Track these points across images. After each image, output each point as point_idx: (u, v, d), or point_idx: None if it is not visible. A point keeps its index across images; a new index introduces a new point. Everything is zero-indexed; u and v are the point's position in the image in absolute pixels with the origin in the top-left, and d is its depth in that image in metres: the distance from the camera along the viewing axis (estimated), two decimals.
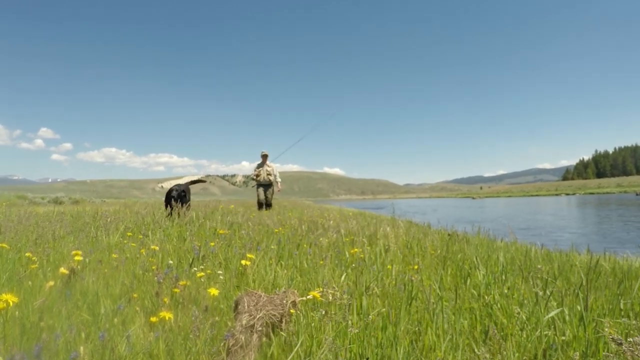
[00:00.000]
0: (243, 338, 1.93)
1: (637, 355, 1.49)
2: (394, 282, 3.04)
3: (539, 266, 3.47)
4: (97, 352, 1.74)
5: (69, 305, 2.26)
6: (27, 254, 3.29)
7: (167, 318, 2.01)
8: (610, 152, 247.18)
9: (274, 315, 2.13)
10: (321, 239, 5.04)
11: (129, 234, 5.24)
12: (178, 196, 7.93)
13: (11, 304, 1.75)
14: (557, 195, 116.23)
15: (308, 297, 2.38)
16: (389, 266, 3.66)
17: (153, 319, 2.04)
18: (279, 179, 12.76)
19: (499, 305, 2.55)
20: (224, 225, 6.13)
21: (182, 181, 9.51)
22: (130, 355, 1.78)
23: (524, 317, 2.32)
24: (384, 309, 2.33)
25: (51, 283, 2.51)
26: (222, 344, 1.91)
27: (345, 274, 3.30)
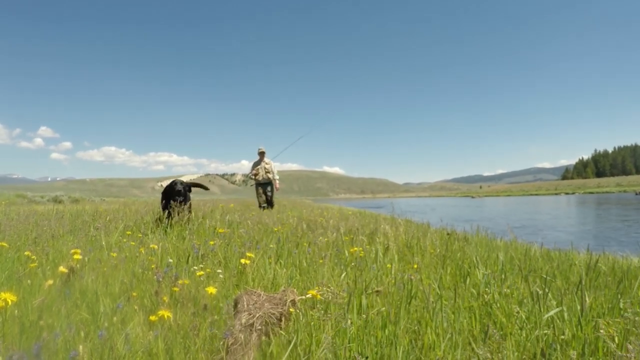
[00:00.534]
0: (242, 337, 1.93)
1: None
2: (393, 281, 3.04)
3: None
4: (97, 350, 1.74)
5: (68, 304, 2.26)
6: (26, 253, 3.29)
7: (166, 317, 2.01)
8: (610, 151, 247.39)
9: (274, 314, 2.13)
10: (321, 237, 5.04)
11: (128, 232, 5.24)
12: (184, 191, 6.33)
13: (10, 302, 1.75)
14: (556, 194, 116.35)
15: (307, 295, 2.38)
16: (388, 265, 3.66)
17: (152, 318, 2.04)
18: (277, 177, 12.20)
19: (498, 305, 2.55)
20: (223, 224, 6.13)
21: (183, 179, 7.59)
22: (129, 353, 1.78)
23: (523, 316, 2.33)
24: (383, 308, 2.33)
25: (50, 282, 2.51)
26: (221, 343, 1.91)
27: (344, 273, 3.30)
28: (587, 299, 2.31)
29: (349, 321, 2.10)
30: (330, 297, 2.41)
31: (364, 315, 2.25)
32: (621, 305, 2.50)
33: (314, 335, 2.02)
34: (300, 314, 2.24)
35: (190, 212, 6.31)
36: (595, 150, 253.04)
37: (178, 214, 5.91)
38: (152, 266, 3.24)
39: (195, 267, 3.19)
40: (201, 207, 9.60)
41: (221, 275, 3.04)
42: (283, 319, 2.16)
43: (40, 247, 3.97)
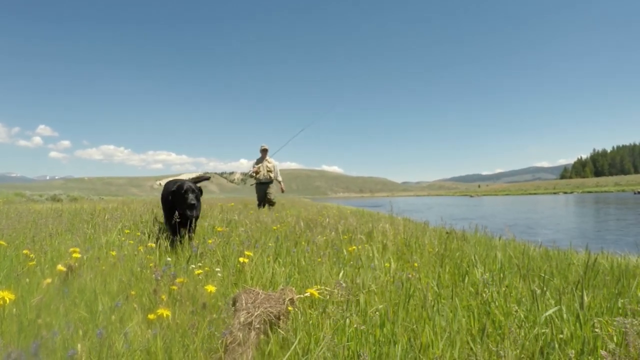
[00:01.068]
0: (241, 335, 1.93)
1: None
2: (392, 280, 3.04)
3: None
4: (95, 349, 1.74)
5: (66, 302, 2.26)
6: (24, 251, 3.28)
7: (164, 315, 2.00)
8: (609, 151, 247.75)
9: (272, 312, 2.13)
10: (319, 236, 5.04)
11: (126, 231, 5.23)
12: (198, 199, 4.72)
13: (8, 301, 1.75)
14: (555, 193, 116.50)
15: (306, 294, 2.38)
16: (386, 264, 3.66)
17: (151, 316, 2.04)
18: (280, 178, 11.59)
19: (496, 304, 2.55)
20: (222, 223, 6.13)
21: (182, 177, 5.94)
22: (128, 352, 1.77)
23: (522, 315, 2.33)
24: (381, 307, 2.33)
25: (49, 280, 2.50)
26: (219, 341, 1.91)
27: (343, 272, 3.30)
28: (585, 298, 2.32)
29: (348, 320, 2.11)
30: (328, 296, 2.42)
31: (362, 314, 2.25)
32: (619, 304, 2.51)
33: (312, 334, 2.02)
34: (299, 312, 2.24)
35: (197, 220, 4.94)
36: (594, 150, 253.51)
37: (191, 232, 4.65)
38: (151, 265, 3.24)
39: (194, 266, 3.19)
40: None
41: (220, 274, 3.04)
42: (282, 317, 2.16)
43: (38, 245, 3.97)
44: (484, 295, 2.70)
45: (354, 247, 4.17)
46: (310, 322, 2.13)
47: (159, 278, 2.65)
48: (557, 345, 1.99)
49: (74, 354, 1.54)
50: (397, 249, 4.59)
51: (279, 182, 11.56)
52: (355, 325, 2.07)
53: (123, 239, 4.63)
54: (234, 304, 2.20)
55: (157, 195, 6.73)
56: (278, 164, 11.62)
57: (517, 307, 2.42)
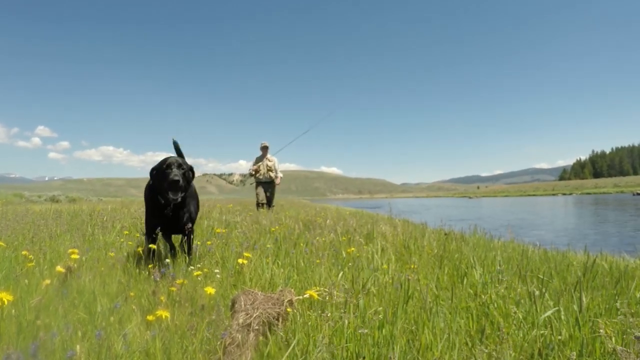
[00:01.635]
0: (240, 337, 1.93)
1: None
2: (390, 281, 3.05)
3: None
4: (94, 350, 1.74)
5: (65, 303, 2.25)
6: (23, 252, 3.28)
7: (163, 317, 2.00)
8: (607, 152, 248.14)
9: (271, 314, 2.13)
10: (318, 238, 5.04)
11: (125, 232, 5.23)
12: (185, 180, 3.49)
13: (7, 302, 1.75)
14: (553, 195, 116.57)
15: (305, 296, 2.38)
16: (385, 265, 3.67)
17: (150, 318, 2.03)
18: (280, 175, 11.00)
19: (495, 305, 2.56)
20: (221, 224, 6.13)
21: None
22: (127, 353, 1.77)
23: (521, 317, 2.33)
24: (380, 308, 2.33)
25: (47, 281, 2.50)
26: (218, 343, 1.91)
27: (342, 273, 3.31)
28: (584, 299, 2.32)
29: (346, 321, 2.11)
30: (327, 298, 2.42)
31: (361, 316, 2.25)
32: (618, 305, 2.51)
33: (311, 335, 2.02)
34: (298, 314, 2.24)
35: (191, 223, 3.76)
36: (593, 151, 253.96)
37: (185, 245, 3.64)
38: (150, 266, 3.24)
39: (193, 267, 3.19)
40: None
41: (218, 275, 3.04)
42: (280, 319, 2.16)
43: (37, 246, 3.96)
44: (483, 296, 2.70)
45: (353, 249, 4.18)
46: (309, 323, 2.13)
47: (158, 279, 2.65)
48: (555, 347, 1.99)
49: (73, 355, 1.54)
50: (396, 251, 4.60)
51: (277, 177, 10.94)
52: (354, 327, 2.08)
53: (122, 240, 4.63)
54: (233, 306, 2.20)
55: None
56: (278, 161, 11.07)
57: (515, 309, 2.42)
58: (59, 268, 2.67)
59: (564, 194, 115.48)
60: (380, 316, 2.23)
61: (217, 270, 3.12)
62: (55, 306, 2.18)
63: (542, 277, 3.24)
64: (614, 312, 2.44)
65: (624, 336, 2.01)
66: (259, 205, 10.63)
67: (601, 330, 2.00)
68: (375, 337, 2.04)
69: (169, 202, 3.41)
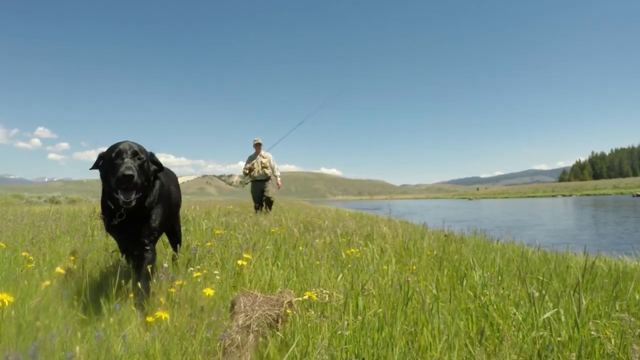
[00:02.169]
0: (239, 338, 1.93)
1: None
2: (390, 283, 3.05)
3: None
4: (93, 351, 1.74)
5: (65, 304, 2.26)
6: (23, 254, 3.28)
7: (163, 318, 2.01)
8: (607, 153, 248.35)
9: (270, 315, 2.13)
10: (317, 239, 5.04)
11: None
12: (139, 170, 2.48)
13: (7, 303, 1.75)
14: (553, 196, 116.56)
15: (304, 297, 2.38)
16: (384, 267, 3.67)
17: (149, 319, 2.04)
18: (277, 173, 10.26)
19: (495, 306, 2.56)
20: (220, 226, 6.13)
21: (180, 180, 5.00)
22: (126, 355, 1.78)
23: (520, 318, 2.33)
24: (380, 310, 2.33)
25: (47, 283, 2.50)
26: (218, 344, 1.91)
27: (341, 275, 3.31)
28: (583, 300, 2.32)
29: (346, 323, 2.11)
30: (327, 299, 2.42)
31: (361, 317, 2.25)
32: (617, 307, 2.51)
33: (310, 336, 2.02)
34: (297, 315, 2.25)
35: (177, 235, 3.50)
36: (593, 152, 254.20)
37: (143, 262, 2.69)
38: (149, 266, 3.24)
39: (192, 268, 3.19)
40: (198, 208, 9.47)
41: (218, 277, 3.04)
42: (280, 320, 2.17)
43: (37, 247, 3.97)
44: (482, 298, 2.70)
45: (353, 250, 4.18)
46: (309, 324, 2.13)
47: (157, 280, 2.65)
48: (555, 348, 1.99)
49: (73, 356, 1.54)
50: (395, 252, 4.60)
51: (276, 176, 10.33)
52: (353, 328, 2.08)
53: None
54: (232, 307, 2.20)
55: None
56: (274, 158, 10.37)
57: (515, 310, 2.42)
58: (59, 269, 2.67)
59: (564, 196, 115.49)
60: (379, 317, 2.23)
61: (216, 272, 3.12)
62: (54, 307, 2.18)
63: (541, 278, 3.24)
64: (613, 313, 2.45)
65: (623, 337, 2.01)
66: (257, 206, 10.08)
67: (596, 332, 2.01)
68: (375, 339, 2.04)
69: (120, 206, 2.47)
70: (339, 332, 2.03)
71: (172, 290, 2.57)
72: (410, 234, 6.07)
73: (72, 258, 2.96)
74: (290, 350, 1.87)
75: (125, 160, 2.42)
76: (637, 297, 2.84)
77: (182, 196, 3.92)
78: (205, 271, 3.11)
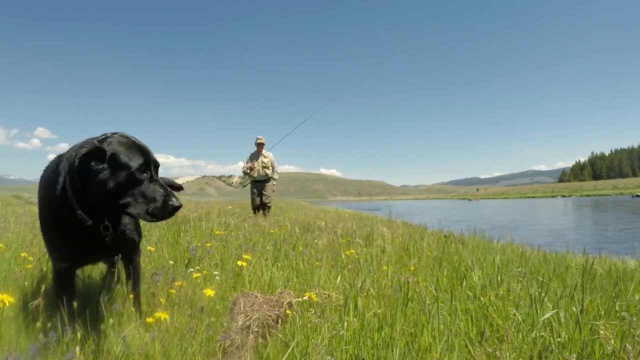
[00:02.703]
0: (239, 339, 1.93)
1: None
2: (390, 283, 3.05)
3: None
4: (93, 352, 1.74)
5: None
6: (23, 254, 3.28)
7: (162, 319, 2.01)
8: (607, 154, 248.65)
9: (270, 316, 2.13)
10: (317, 240, 5.04)
11: None
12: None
13: (7, 303, 1.75)
14: (553, 197, 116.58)
15: (304, 298, 2.38)
16: (384, 267, 3.67)
17: (149, 320, 2.04)
18: (275, 176, 9.88)
19: (494, 307, 2.56)
20: (220, 226, 6.13)
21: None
22: (126, 355, 1.78)
23: (520, 319, 2.33)
24: (380, 310, 2.33)
25: (47, 283, 2.50)
26: (218, 345, 1.91)
27: (341, 275, 3.31)
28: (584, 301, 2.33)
29: (345, 323, 2.11)
30: (327, 300, 2.42)
31: (360, 318, 2.25)
32: (617, 307, 2.51)
33: (310, 337, 2.02)
34: (297, 316, 2.25)
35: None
36: (592, 153, 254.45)
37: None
38: (149, 268, 3.24)
39: (192, 269, 3.19)
40: (198, 208, 9.44)
41: (218, 277, 3.04)
42: (280, 321, 2.17)
43: (37, 248, 3.96)
44: (482, 298, 2.70)
45: (352, 251, 4.18)
46: (309, 325, 2.13)
47: (157, 281, 2.65)
48: (555, 349, 1.99)
49: (72, 357, 1.54)
50: (395, 253, 4.60)
51: (274, 179, 9.90)
52: (353, 329, 2.08)
53: None
54: (232, 308, 2.20)
55: None
56: (275, 158, 9.99)
57: (515, 311, 2.42)
58: None
59: (563, 196, 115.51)
60: (379, 318, 2.23)
61: (216, 272, 3.12)
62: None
63: (541, 279, 3.24)
64: (613, 314, 2.45)
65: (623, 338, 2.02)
66: (256, 207, 9.75)
67: (601, 332, 2.01)
68: (375, 339, 2.04)
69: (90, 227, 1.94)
70: (339, 332, 2.03)
71: (172, 291, 2.57)
72: (410, 235, 6.06)
73: None
74: (290, 350, 1.87)
75: (157, 179, 1.93)
76: (637, 297, 2.84)
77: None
78: (205, 272, 3.11)
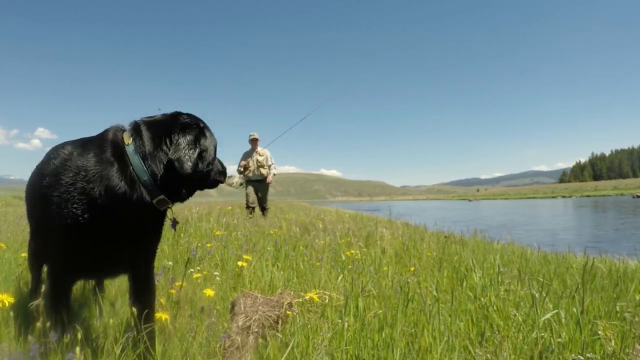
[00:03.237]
0: (239, 339, 1.93)
1: None
2: (390, 284, 3.05)
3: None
4: (93, 352, 1.74)
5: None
6: (23, 254, 3.28)
7: (163, 319, 2.00)
8: (607, 154, 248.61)
9: (270, 316, 2.13)
10: (317, 240, 5.04)
11: None
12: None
13: (7, 304, 1.75)
14: (553, 197, 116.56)
15: (304, 298, 2.38)
16: (385, 268, 3.66)
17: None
18: (274, 171, 9.26)
19: (495, 307, 2.56)
20: (220, 227, 6.13)
21: None
22: (126, 356, 1.77)
23: (520, 319, 2.33)
24: (380, 311, 2.33)
25: None
26: (218, 345, 1.91)
27: (341, 276, 3.31)
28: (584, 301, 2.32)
29: (346, 324, 2.11)
30: (327, 300, 2.42)
31: (361, 319, 2.25)
32: (617, 308, 2.51)
33: (310, 337, 2.02)
34: (297, 316, 2.24)
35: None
36: (593, 154, 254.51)
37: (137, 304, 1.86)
38: None
39: (192, 270, 3.19)
40: (198, 208, 9.44)
41: (218, 278, 3.04)
42: (280, 321, 2.16)
43: None
44: (482, 299, 2.70)
45: (353, 251, 4.18)
46: (309, 326, 2.13)
47: (157, 281, 2.65)
48: (555, 349, 1.99)
49: (72, 357, 1.54)
50: (395, 253, 4.60)
51: (270, 174, 9.21)
52: (353, 329, 2.08)
53: None
54: (232, 308, 2.20)
55: None
56: (272, 156, 9.39)
57: (515, 311, 2.42)
58: None
59: (564, 197, 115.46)
60: (380, 318, 2.23)
61: (216, 273, 3.12)
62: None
63: (541, 279, 3.24)
64: (613, 314, 2.45)
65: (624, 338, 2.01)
66: (248, 207, 9.18)
67: (600, 332, 2.00)
68: (375, 340, 2.04)
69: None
70: (339, 333, 2.03)
71: (173, 291, 2.57)
72: (410, 235, 6.06)
73: None
74: (289, 350, 1.87)
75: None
76: (638, 298, 2.84)
77: None
78: (205, 272, 3.11)
